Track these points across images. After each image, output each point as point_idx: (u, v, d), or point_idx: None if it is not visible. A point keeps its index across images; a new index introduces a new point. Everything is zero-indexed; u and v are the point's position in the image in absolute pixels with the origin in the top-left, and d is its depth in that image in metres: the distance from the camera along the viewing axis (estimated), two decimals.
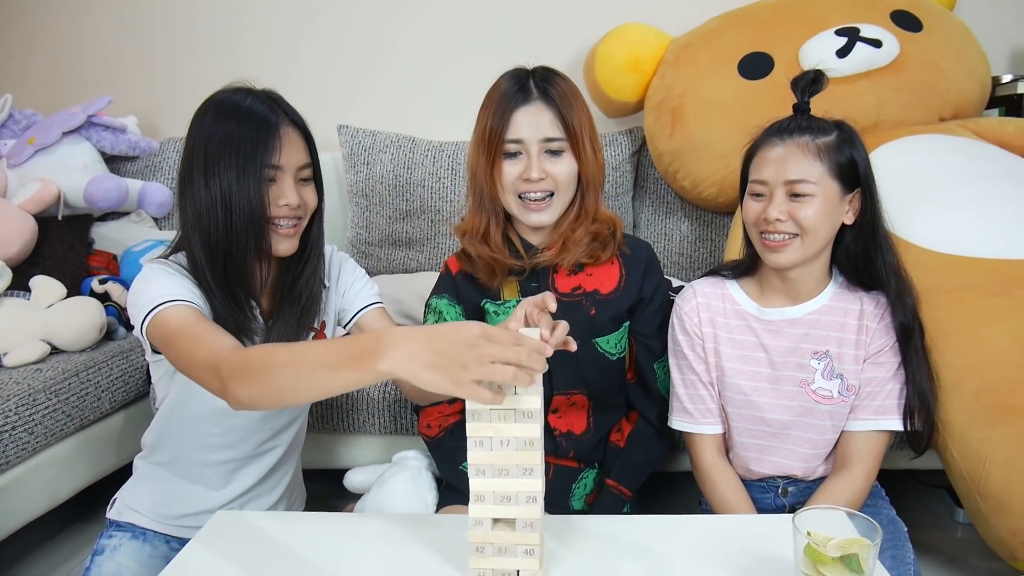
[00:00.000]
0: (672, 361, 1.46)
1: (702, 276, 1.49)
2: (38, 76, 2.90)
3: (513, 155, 1.34)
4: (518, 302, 1.41)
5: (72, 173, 2.38)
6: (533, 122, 1.32)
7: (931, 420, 1.36)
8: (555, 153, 1.33)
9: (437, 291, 1.49)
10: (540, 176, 1.32)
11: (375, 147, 2.47)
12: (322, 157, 2.59)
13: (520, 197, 1.35)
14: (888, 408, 1.34)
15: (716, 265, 1.52)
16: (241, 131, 1.24)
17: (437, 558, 1.06)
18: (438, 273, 1.52)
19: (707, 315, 1.42)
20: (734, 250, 1.69)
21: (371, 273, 2.47)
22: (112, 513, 1.48)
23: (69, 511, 2.00)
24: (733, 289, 1.43)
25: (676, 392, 1.45)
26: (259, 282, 1.36)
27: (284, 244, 1.31)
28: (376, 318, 1.48)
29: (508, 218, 1.43)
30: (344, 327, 1.52)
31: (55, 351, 1.97)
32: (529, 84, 1.34)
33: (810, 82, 1.34)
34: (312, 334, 1.45)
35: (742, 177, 1.38)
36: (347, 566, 1.06)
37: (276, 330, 1.37)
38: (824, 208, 1.27)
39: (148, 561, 1.41)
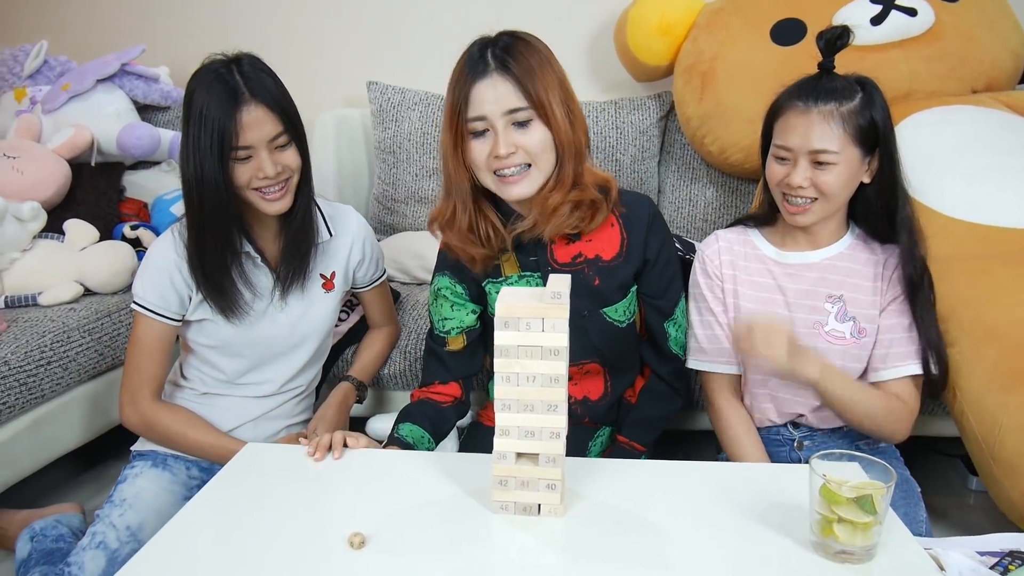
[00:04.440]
0: (692, 304, 1.51)
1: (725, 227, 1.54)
2: (73, 24, 2.92)
3: (481, 133, 1.28)
4: (519, 277, 1.40)
5: (105, 120, 2.40)
6: (492, 96, 1.25)
7: (944, 364, 1.40)
8: (522, 124, 1.26)
9: (439, 268, 1.46)
10: (509, 151, 1.25)
11: (404, 104, 2.48)
12: (350, 113, 2.65)
13: (496, 173, 1.29)
14: (915, 354, 1.38)
15: (739, 216, 1.56)
16: (208, 113, 1.30)
17: (461, 491, 1.10)
18: None
19: (728, 258, 1.47)
20: None
21: (395, 229, 2.51)
22: (136, 446, 1.57)
23: (103, 448, 2.05)
24: (754, 236, 1.49)
25: (694, 333, 1.50)
26: (259, 233, 1.48)
27: (274, 206, 1.40)
28: (375, 296, 1.75)
29: (488, 195, 1.37)
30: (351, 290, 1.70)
31: (88, 292, 2.01)
32: (487, 55, 1.27)
33: (837, 36, 1.35)
34: (322, 282, 1.55)
35: (764, 134, 1.41)
36: (373, 499, 1.10)
37: (284, 273, 1.48)
38: (845, 173, 1.32)
39: (168, 486, 1.49)
